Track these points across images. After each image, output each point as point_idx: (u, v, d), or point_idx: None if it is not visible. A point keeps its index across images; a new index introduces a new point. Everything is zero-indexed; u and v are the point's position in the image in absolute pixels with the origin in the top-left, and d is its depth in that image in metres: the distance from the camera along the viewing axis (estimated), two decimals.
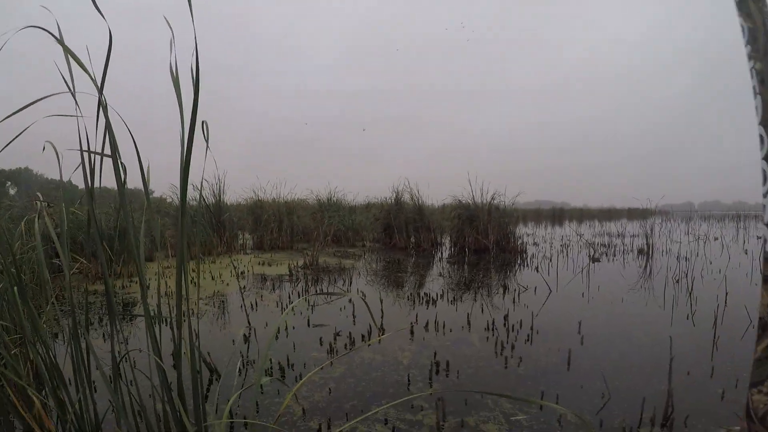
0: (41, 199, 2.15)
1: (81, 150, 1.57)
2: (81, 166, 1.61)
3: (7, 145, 1.56)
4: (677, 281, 8.03)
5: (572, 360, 4.26)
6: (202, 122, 1.50)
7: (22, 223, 3.67)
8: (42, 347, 1.73)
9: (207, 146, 1.59)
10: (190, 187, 1.64)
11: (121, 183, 1.57)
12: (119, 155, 1.54)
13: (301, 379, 3.99)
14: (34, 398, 1.64)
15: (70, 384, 1.83)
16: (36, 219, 1.95)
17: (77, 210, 8.89)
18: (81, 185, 1.73)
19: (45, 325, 2.94)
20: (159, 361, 1.69)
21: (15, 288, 1.82)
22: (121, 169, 1.57)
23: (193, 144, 1.58)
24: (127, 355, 1.83)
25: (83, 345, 1.82)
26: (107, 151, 1.59)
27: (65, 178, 1.72)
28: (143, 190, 1.67)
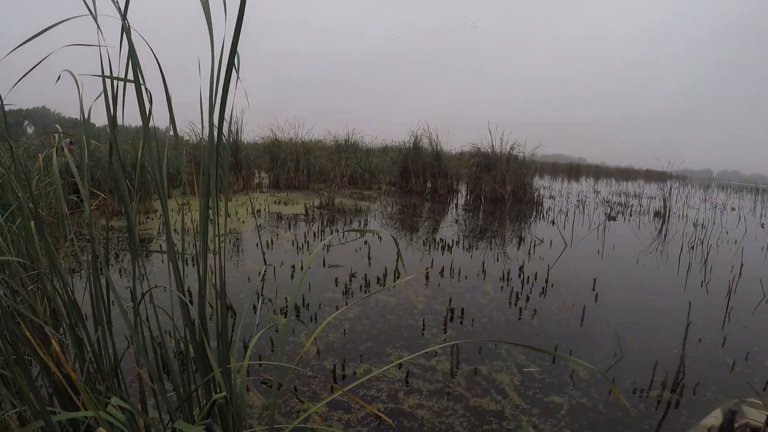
0: (60, 130, 2.08)
1: (102, 75, 1.50)
2: (103, 95, 1.55)
3: (24, 76, 1.50)
4: (692, 248, 7.93)
5: (586, 316, 4.27)
6: (231, 54, 1.42)
7: (41, 157, 3.62)
8: (60, 283, 1.71)
9: (238, 78, 1.52)
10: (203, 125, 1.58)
11: (145, 112, 1.51)
12: (143, 81, 1.48)
13: (317, 319, 4.02)
14: (51, 336, 1.62)
15: (87, 319, 1.80)
16: (54, 153, 1.89)
17: (96, 143, 8.87)
18: (99, 123, 1.69)
19: (63, 261, 2.94)
20: (182, 296, 1.67)
21: (32, 222, 1.78)
22: (146, 96, 1.50)
23: (218, 79, 1.52)
24: (147, 292, 1.80)
25: (102, 281, 1.79)
26: (129, 82, 1.53)
27: (85, 112, 1.67)
28: (169, 125, 1.62)
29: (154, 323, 3.63)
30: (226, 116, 1.49)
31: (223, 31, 1.38)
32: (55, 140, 2.17)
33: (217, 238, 1.68)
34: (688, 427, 2.62)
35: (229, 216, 9.14)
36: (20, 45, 1.36)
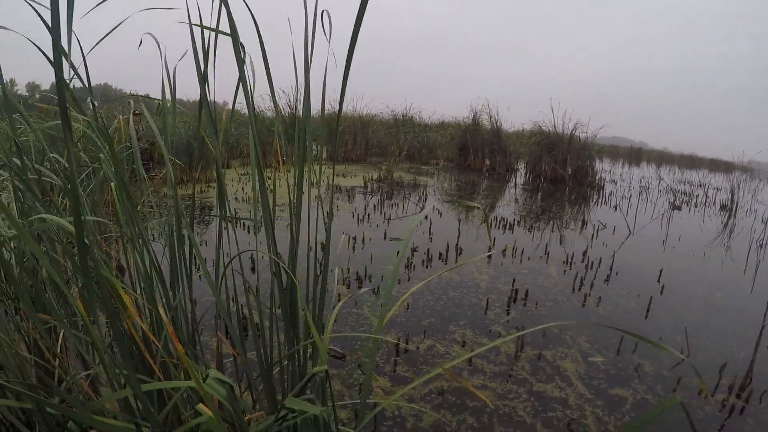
0: (138, 95, 2.08)
1: (190, 23, 1.47)
2: (192, 51, 1.52)
3: (103, 38, 1.50)
4: (761, 246, 7.56)
5: (651, 308, 4.14)
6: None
7: (121, 118, 3.67)
8: (142, 245, 1.71)
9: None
10: (265, 98, 1.56)
11: (242, 68, 1.48)
12: (237, 35, 1.44)
13: (378, 290, 4.02)
14: (129, 297, 1.62)
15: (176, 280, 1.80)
16: (131, 118, 1.90)
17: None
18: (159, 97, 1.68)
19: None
20: (277, 259, 1.66)
21: (113, 184, 1.78)
22: (240, 49, 1.47)
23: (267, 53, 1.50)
24: (237, 256, 1.81)
25: (184, 247, 1.80)
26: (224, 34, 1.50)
27: (170, 74, 1.67)
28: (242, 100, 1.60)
29: (238, 289, 3.71)
30: (284, 88, 1.46)
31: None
32: (129, 108, 2.19)
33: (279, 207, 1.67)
34: None
35: (288, 187, 9.22)
36: (91, 10, 1.35)
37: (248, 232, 5.97)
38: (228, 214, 1.79)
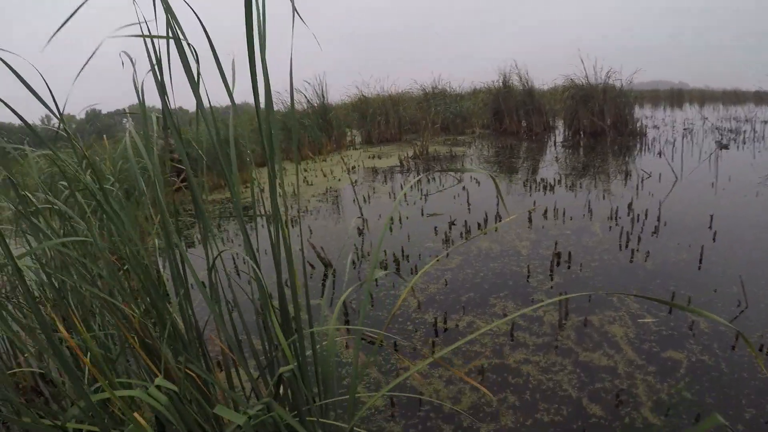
0: (128, 113, 2.09)
1: (143, 35, 1.43)
2: (150, 68, 1.48)
3: (87, 61, 1.45)
4: None
5: (704, 258, 3.90)
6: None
7: (105, 139, 3.69)
8: (139, 261, 1.72)
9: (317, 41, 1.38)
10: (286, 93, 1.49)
11: (191, 72, 1.41)
12: (184, 36, 1.39)
13: (416, 270, 3.94)
14: (133, 311, 1.64)
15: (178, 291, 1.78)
16: (127, 135, 1.91)
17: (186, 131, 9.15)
18: (192, 109, 1.67)
19: (152, 239, 3.00)
20: (250, 259, 1.61)
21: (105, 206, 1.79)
22: (190, 55, 1.42)
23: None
24: (217, 256, 1.76)
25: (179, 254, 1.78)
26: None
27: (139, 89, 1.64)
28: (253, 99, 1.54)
29: (238, 291, 3.67)
30: (308, 79, 1.37)
31: None
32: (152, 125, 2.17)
33: (306, 199, 1.60)
34: None
35: (324, 176, 9.20)
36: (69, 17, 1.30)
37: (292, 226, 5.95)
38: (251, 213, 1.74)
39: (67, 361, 1.25)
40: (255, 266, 1.60)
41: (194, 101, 1.49)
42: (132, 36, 1.45)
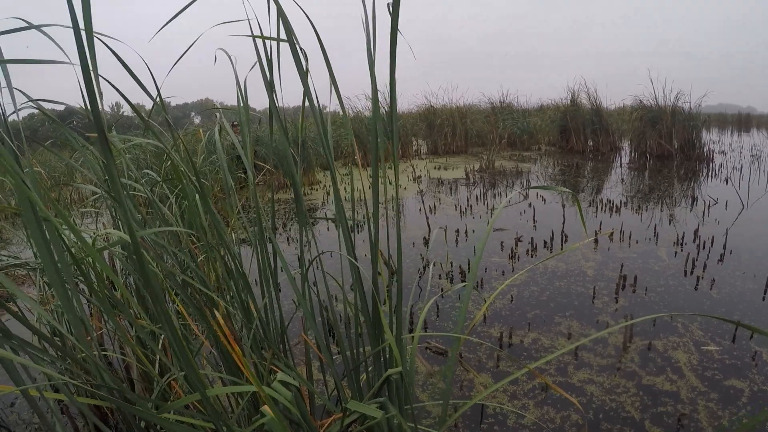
0: (219, 109, 2.17)
1: (252, 36, 1.50)
2: (258, 64, 1.55)
3: (180, 58, 1.54)
4: None
5: None
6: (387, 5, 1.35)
7: (202, 133, 3.81)
8: (227, 253, 1.77)
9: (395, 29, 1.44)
10: (361, 98, 1.55)
11: (303, 72, 1.48)
12: (297, 40, 1.45)
13: (482, 284, 3.98)
14: (219, 303, 1.69)
15: (256, 284, 1.86)
16: (216, 131, 1.97)
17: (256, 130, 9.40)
18: (260, 108, 1.73)
19: (232, 232, 3.10)
20: (352, 260, 1.67)
21: (197, 196, 1.85)
22: (301, 56, 1.48)
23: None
24: (316, 257, 1.83)
25: (270, 248, 1.84)
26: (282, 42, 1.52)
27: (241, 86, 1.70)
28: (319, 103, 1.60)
29: (322, 289, 3.77)
30: (380, 88, 1.44)
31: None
32: (220, 122, 2.25)
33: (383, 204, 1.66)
34: None
35: (390, 183, 9.31)
36: (168, 21, 1.37)
37: (357, 232, 6.06)
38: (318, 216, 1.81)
39: (187, 353, 1.28)
40: (357, 265, 1.65)
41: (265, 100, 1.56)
42: (247, 36, 1.53)
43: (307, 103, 1.55)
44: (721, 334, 3.18)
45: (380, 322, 1.67)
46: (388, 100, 1.41)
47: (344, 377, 1.85)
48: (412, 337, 1.88)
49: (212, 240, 1.95)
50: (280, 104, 1.63)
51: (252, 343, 1.75)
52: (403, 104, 15.70)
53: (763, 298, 3.72)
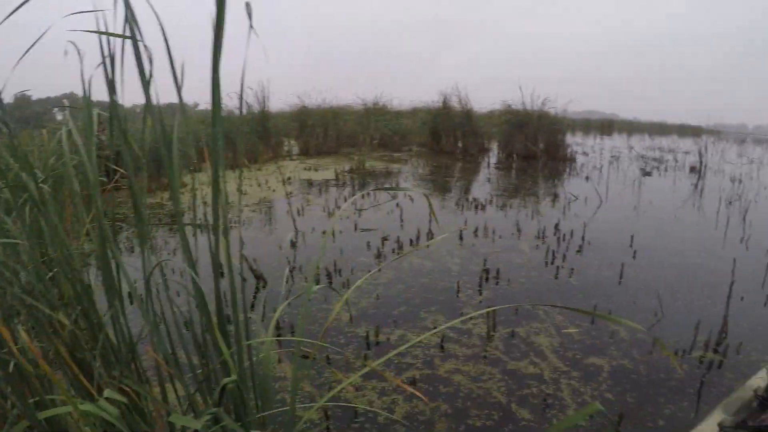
0: (66, 104, 2.02)
1: (98, 32, 1.40)
2: (102, 64, 1.45)
3: (26, 53, 1.42)
4: (730, 203, 7.68)
5: (624, 274, 4.16)
6: (246, 4, 1.30)
7: (45, 133, 3.53)
8: (67, 267, 1.64)
9: (251, 26, 1.37)
10: (233, 96, 1.49)
11: (143, 72, 1.40)
12: (141, 37, 1.36)
13: (349, 284, 3.96)
14: (63, 322, 1.57)
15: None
16: (63, 132, 1.82)
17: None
18: (129, 104, 1.62)
19: (83, 243, 2.90)
20: (190, 269, 1.59)
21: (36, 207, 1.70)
22: (144, 55, 1.39)
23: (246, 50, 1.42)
24: (163, 269, 1.72)
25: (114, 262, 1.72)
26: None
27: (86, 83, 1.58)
28: (179, 99, 1.51)
29: (175, 302, 3.62)
30: (251, 85, 1.37)
31: None
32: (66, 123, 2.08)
33: (239, 208, 1.59)
34: (733, 388, 2.51)
35: (258, 185, 9.13)
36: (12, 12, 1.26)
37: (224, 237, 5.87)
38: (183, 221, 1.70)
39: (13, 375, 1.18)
40: (195, 277, 1.58)
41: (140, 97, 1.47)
42: (89, 32, 1.41)
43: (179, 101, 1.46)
44: (581, 317, 3.34)
45: (225, 330, 1.61)
46: (261, 99, 1.34)
47: (196, 390, 1.76)
48: (262, 342, 1.82)
49: (54, 254, 1.79)
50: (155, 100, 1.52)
51: (101, 361, 1.63)
52: (276, 104, 15.40)
53: (619, 283, 3.98)
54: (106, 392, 1.26)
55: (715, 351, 2.93)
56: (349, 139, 16.74)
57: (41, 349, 1.96)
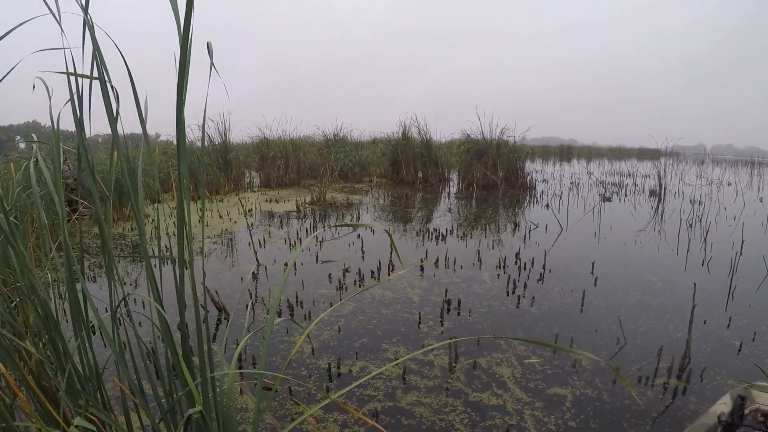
0: (35, 139, 2.00)
1: (67, 73, 1.42)
2: (69, 100, 1.47)
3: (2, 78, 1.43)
4: (690, 226, 7.86)
5: (586, 302, 4.21)
6: (207, 44, 1.34)
7: (12, 166, 3.49)
8: (34, 296, 1.63)
9: (212, 65, 1.41)
10: (194, 128, 1.51)
11: (111, 111, 1.42)
12: (108, 77, 1.39)
13: (311, 317, 3.95)
14: (30, 351, 1.55)
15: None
16: (32, 163, 1.82)
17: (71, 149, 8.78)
18: (93, 134, 1.62)
19: (48, 272, 2.85)
20: (155, 303, 1.59)
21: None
22: (112, 94, 1.42)
23: (208, 84, 1.45)
24: (126, 300, 1.72)
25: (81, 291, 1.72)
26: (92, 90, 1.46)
27: (54, 117, 1.59)
28: (143, 130, 1.53)
29: (142, 332, 3.55)
30: (212, 116, 1.40)
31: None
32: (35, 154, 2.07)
33: (199, 240, 1.60)
34: (697, 414, 2.54)
35: (220, 217, 9.06)
36: None
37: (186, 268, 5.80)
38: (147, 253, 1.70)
39: None
40: (161, 310, 1.58)
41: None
42: (57, 72, 1.43)
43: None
44: (543, 347, 3.35)
45: (190, 361, 1.60)
46: (222, 131, 1.37)
47: (161, 420, 1.74)
48: (225, 374, 1.81)
49: (21, 282, 1.77)
50: (120, 132, 1.53)
51: (67, 390, 1.61)
52: (237, 136, 15.38)
53: (581, 310, 4.01)
54: (76, 420, 1.25)
55: (679, 377, 2.96)
56: (310, 170, 16.73)
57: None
